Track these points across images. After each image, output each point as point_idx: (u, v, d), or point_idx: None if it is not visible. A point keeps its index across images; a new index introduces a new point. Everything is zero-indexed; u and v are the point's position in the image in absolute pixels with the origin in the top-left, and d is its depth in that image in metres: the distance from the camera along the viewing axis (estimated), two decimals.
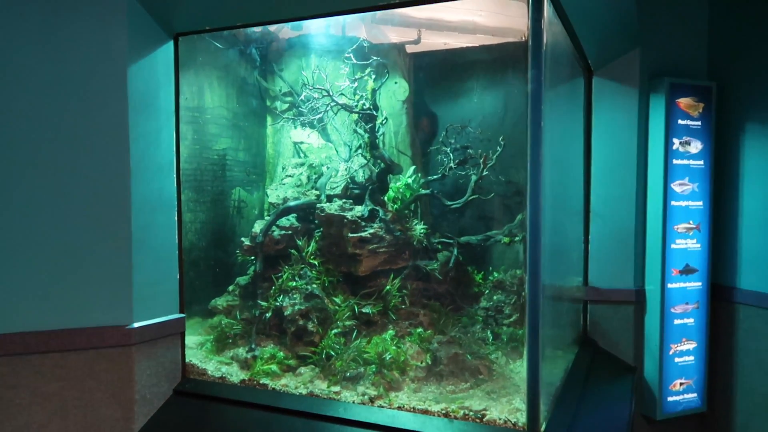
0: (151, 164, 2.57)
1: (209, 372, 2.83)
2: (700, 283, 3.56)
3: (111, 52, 2.39)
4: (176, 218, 2.74)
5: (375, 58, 3.16)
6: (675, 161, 3.45)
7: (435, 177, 3.40)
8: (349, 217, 3.11)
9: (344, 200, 3.26)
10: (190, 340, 2.99)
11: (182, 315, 2.76)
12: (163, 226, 2.66)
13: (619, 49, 3.44)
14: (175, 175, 2.74)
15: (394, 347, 2.80)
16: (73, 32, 2.34)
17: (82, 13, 2.34)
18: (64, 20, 2.33)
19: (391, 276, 3.13)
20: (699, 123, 3.50)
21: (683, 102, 3.46)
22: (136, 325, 2.45)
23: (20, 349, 2.31)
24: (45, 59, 2.31)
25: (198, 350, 3.05)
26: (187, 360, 2.81)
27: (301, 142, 3.72)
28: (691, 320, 3.56)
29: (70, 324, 2.37)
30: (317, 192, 3.40)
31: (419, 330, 2.94)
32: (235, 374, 2.83)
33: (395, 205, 3.35)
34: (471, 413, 2.35)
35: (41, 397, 2.35)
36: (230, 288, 3.37)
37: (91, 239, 2.39)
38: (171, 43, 2.71)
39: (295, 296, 3.02)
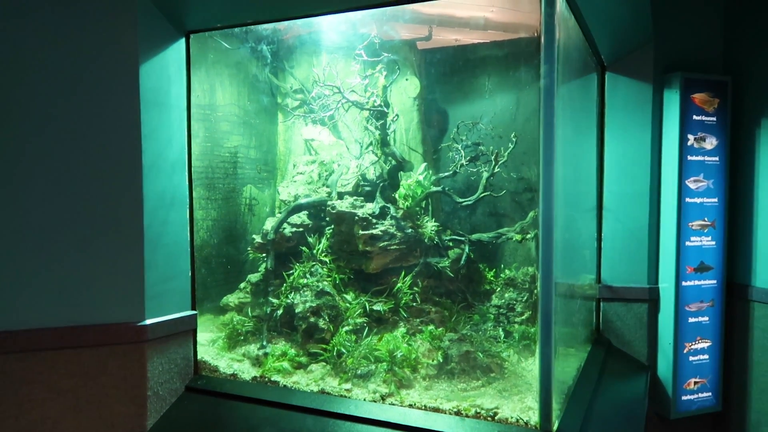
0: (163, 161, 2.58)
1: (221, 369, 2.84)
2: (715, 281, 3.52)
3: (122, 49, 2.40)
4: (188, 215, 2.75)
5: (386, 54, 3.15)
6: (690, 157, 3.41)
7: (446, 174, 3.38)
8: (360, 215, 3.11)
9: (355, 197, 3.25)
10: (202, 337, 3.00)
11: (194, 312, 2.77)
12: (175, 224, 2.67)
13: (632, 44, 3.40)
14: (186, 173, 2.75)
15: (405, 345, 2.79)
16: (84, 30, 2.35)
17: (94, 11, 2.35)
18: (75, 18, 2.34)
19: (402, 273, 3.12)
20: (714, 119, 3.46)
21: (698, 97, 3.41)
22: (148, 321, 2.46)
23: (35, 345, 2.32)
24: (57, 57, 2.33)
25: (210, 347, 3.07)
26: (199, 357, 2.83)
27: (312, 140, 3.73)
28: (706, 318, 3.52)
29: (84, 321, 2.39)
30: (328, 189, 3.39)
31: (430, 327, 2.93)
32: (247, 371, 2.84)
33: (406, 203, 3.34)
34: (483, 411, 2.33)
35: (55, 393, 2.37)
36: (242, 285, 3.38)
37: (104, 237, 2.40)
38: (182, 41, 2.72)
39: (306, 293, 3.02)
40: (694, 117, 3.41)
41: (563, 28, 2.31)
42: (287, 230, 3.29)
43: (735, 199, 3.60)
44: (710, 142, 3.46)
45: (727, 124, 3.49)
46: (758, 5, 3.48)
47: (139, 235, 2.44)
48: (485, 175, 3.28)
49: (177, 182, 2.68)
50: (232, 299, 3.31)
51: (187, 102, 2.75)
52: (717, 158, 3.48)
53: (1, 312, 2.30)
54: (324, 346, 2.88)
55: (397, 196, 3.34)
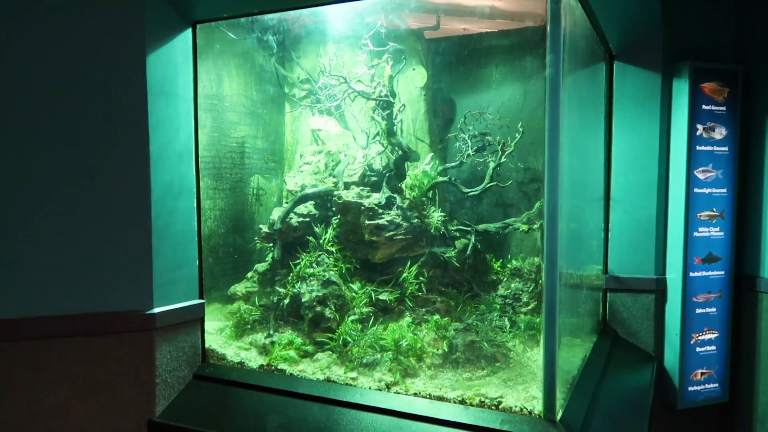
0: (170, 151, 2.59)
1: (228, 357, 2.87)
2: (723, 272, 3.50)
3: (129, 39, 2.40)
4: (195, 205, 2.77)
5: (392, 44, 3.14)
6: (698, 147, 3.38)
7: (453, 164, 3.38)
8: (366, 204, 3.12)
9: (361, 187, 3.26)
10: (210, 325, 3.03)
11: (202, 301, 2.79)
12: (182, 213, 2.69)
13: (640, 33, 3.37)
14: (194, 163, 2.76)
15: (410, 334, 2.81)
16: (90, 20, 2.36)
17: (100, 1, 2.36)
18: (81, 8, 2.35)
19: (408, 263, 3.13)
20: (724, 108, 3.42)
21: (708, 87, 3.38)
22: (156, 310, 2.49)
23: (44, 332, 2.36)
24: (62, 47, 2.34)
25: (217, 336, 3.10)
26: (206, 345, 2.85)
27: (319, 130, 3.73)
28: (714, 309, 3.50)
29: (93, 308, 2.41)
30: (335, 179, 3.40)
31: (436, 317, 2.95)
32: (254, 360, 2.86)
33: (412, 193, 3.34)
34: (487, 400, 2.35)
35: (65, 380, 2.40)
36: (249, 275, 3.41)
37: (112, 226, 2.43)
38: (189, 31, 2.72)
39: (312, 283, 3.04)
40: (704, 106, 3.38)
41: (570, 16, 2.30)
42: (294, 220, 3.30)
43: (744, 190, 3.57)
44: (720, 132, 3.43)
45: (737, 114, 3.46)
46: None
47: (147, 225, 2.46)
48: (492, 165, 3.27)
49: (184, 172, 2.70)
50: (239, 288, 3.34)
51: (194, 92, 2.76)
52: (726, 148, 3.45)
53: (13, 300, 2.34)
54: (330, 335, 2.91)
55: (403, 186, 3.34)
